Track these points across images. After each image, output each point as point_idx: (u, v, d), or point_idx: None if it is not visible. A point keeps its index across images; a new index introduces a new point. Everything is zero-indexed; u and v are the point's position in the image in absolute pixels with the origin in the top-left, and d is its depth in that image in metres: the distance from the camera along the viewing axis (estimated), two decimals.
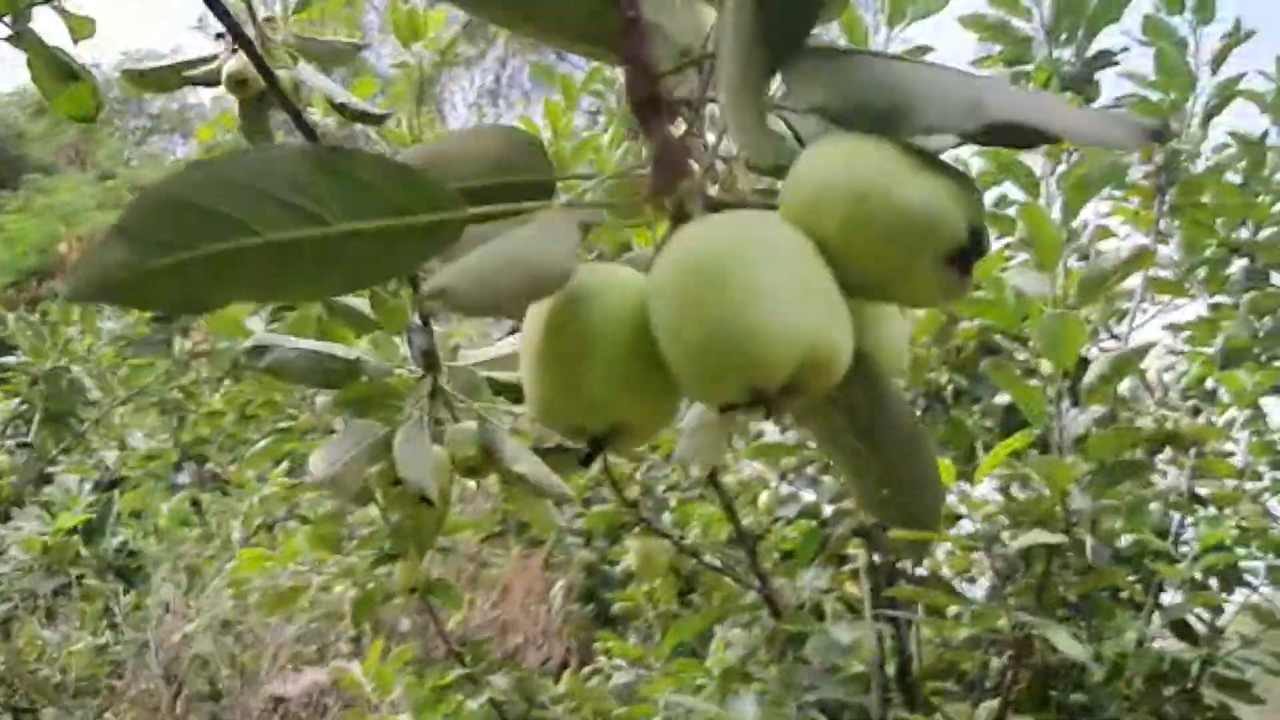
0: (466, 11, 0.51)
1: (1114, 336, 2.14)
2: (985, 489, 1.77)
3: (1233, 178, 2.16)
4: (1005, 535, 1.71)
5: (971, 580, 2.06)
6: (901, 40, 2.09)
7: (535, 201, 0.50)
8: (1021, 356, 1.81)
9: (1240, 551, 1.83)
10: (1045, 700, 1.81)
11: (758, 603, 2.02)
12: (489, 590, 3.50)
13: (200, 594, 3.79)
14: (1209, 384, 1.99)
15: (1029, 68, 2.17)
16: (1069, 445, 1.65)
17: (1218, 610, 1.88)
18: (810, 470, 2.17)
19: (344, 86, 1.48)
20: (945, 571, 2.07)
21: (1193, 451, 1.86)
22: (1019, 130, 0.42)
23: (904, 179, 0.43)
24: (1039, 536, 1.61)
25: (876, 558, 2.01)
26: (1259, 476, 1.94)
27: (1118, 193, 2.19)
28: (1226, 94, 2.22)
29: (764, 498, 2.21)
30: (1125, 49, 2.21)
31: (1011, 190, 1.95)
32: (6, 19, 1.27)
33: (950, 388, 2.07)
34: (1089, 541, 1.71)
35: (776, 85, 0.48)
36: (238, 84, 1.35)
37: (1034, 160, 1.84)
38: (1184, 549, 1.90)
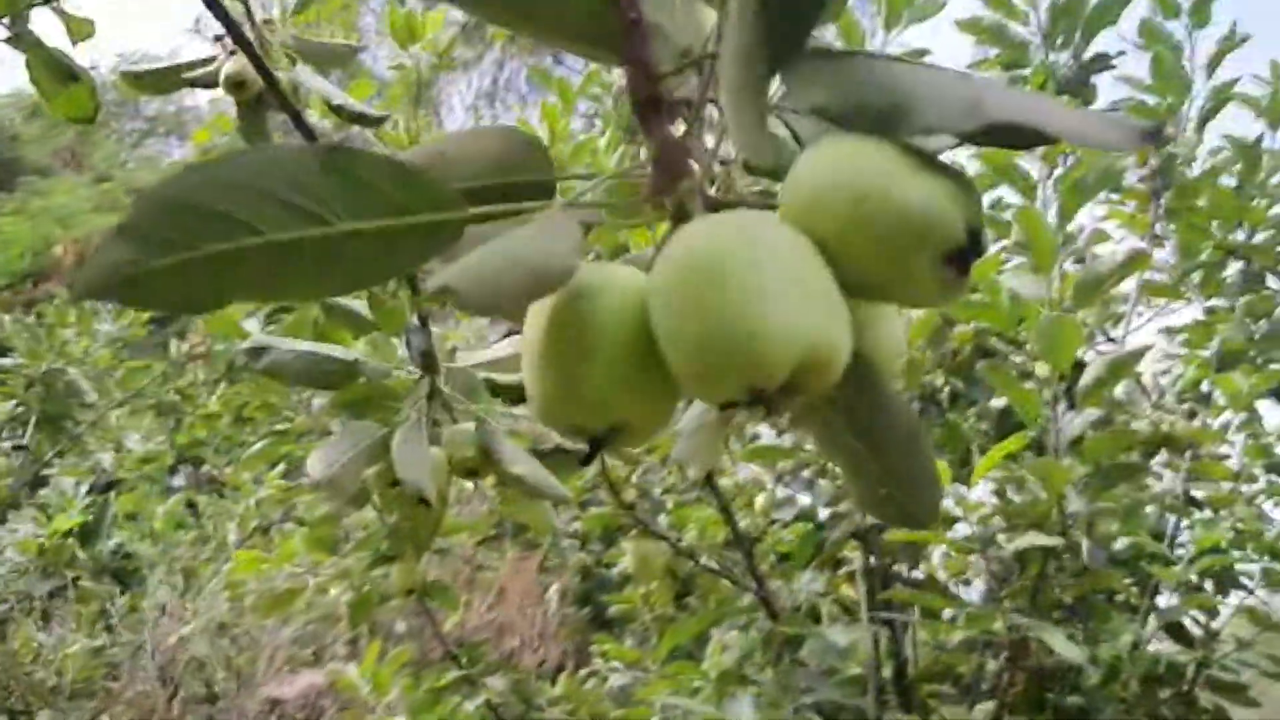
0: (467, 12, 0.51)
1: (1110, 339, 2.15)
2: (981, 491, 1.77)
3: (1228, 181, 2.16)
4: (1001, 538, 1.71)
5: (967, 583, 2.05)
6: (898, 44, 2.10)
7: (536, 201, 0.51)
8: (1017, 359, 1.82)
9: (1235, 554, 1.83)
10: (1041, 703, 1.81)
11: (754, 605, 2.02)
12: (485, 593, 3.50)
13: (196, 596, 3.79)
14: (1204, 387, 1.99)
15: (1025, 71, 2.17)
16: (1065, 448, 1.66)
17: (1213, 613, 1.88)
18: (806, 473, 2.17)
19: (341, 89, 1.48)
20: (941, 574, 2.07)
21: (1188, 454, 1.86)
22: (1017, 131, 0.42)
23: (903, 179, 0.43)
24: (1035, 539, 1.62)
25: (872, 561, 2.01)
26: (1254, 479, 1.94)
27: (1113, 196, 2.20)
28: (1222, 98, 2.22)
29: (760, 500, 2.21)
30: (1121, 53, 2.22)
31: (1008, 194, 1.95)
32: (5, 20, 1.27)
33: (946, 390, 2.08)
34: (1084, 544, 1.72)
35: (776, 86, 0.48)
36: (236, 86, 1.36)
37: (1030, 164, 1.85)
38: (1179, 552, 1.90)
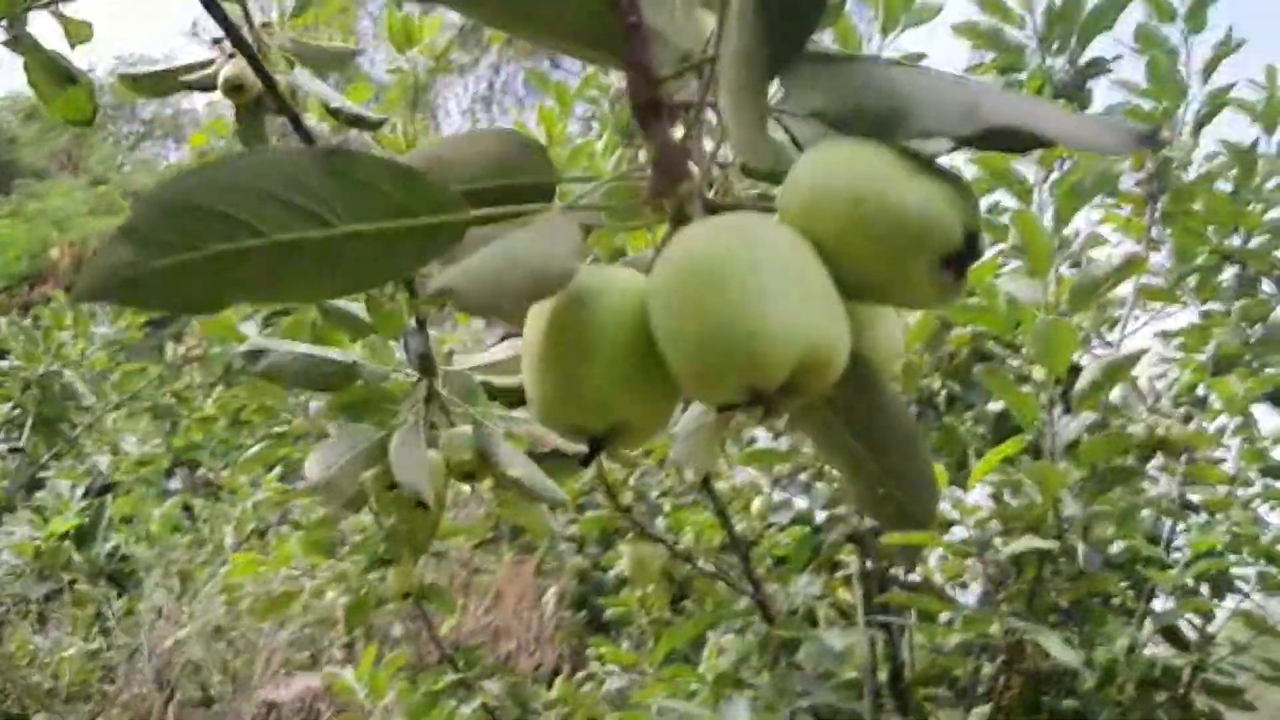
0: (467, 15, 0.51)
1: (1106, 343, 2.15)
2: (978, 495, 1.78)
3: (1224, 186, 2.16)
4: (997, 541, 1.72)
5: (964, 586, 2.06)
6: (894, 48, 2.10)
7: (536, 204, 0.51)
8: (1014, 363, 1.82)
9: (1231, 558, 1.83)
10: (1037, 706, 1.81)
11: (751, 609, 2.02)
12: (482, 596, 3.51)
13: (193, 599, 3.79)
14: (1200, 391, 2.00)
15: (1022, 76, 2.18)
16: (1061, 451, 1.66)
17: (1209, 617, 1.89)
18: (803, 477, 2.18)
19: (338, 92, 1.48)
20: (937, 577, 2.07)
21: (1184, 458, 1.86)
22: (1015, 134, 0.42)
23: (901, 183, 0.43)
24: (1031, 542, 1.62)
25: (869, 564, 2.01)
26: (1250, 483, 1.95)
27: (1109, 200, 2.20)
28: (1218, 103, 2.23)
29: (757, 504, 2.21)
30: (1117, 57, 2.22)
31: (1004, 198, 1.96)
32: (3, 23, 1.27)
33: (943, 394, 2.08)
34: (1081, 547, 1.72)
35: (774, 90, 0.48)
36: (234, 89, 1.36)
37: (1027, 168, 1.85)
38: (1175, 555, 1.91)
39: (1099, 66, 2.19)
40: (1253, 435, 1.95)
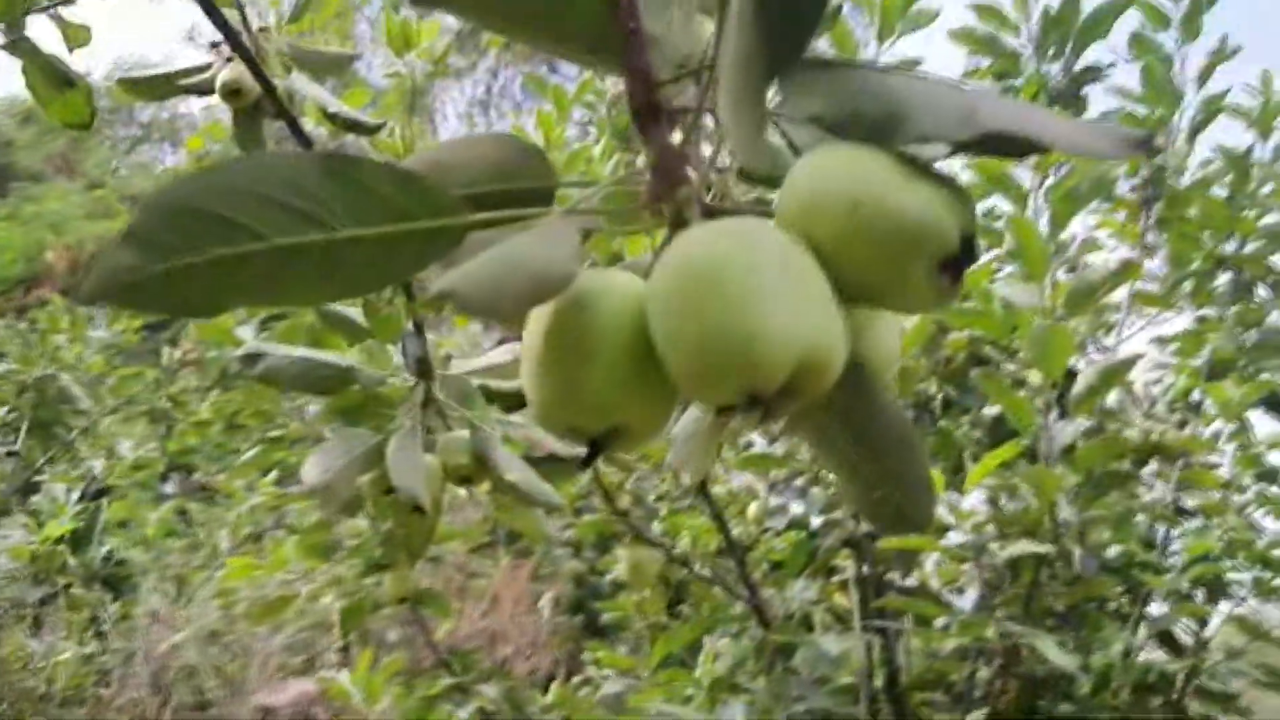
0: (468, 21, 0.51)
1: (1102, 348, 2.16)
2: (974, 499, 1.78)
3: (1219, 191, 2.17)
4: (994, 546, 1.72)
5: (960, 591, 2.06)
6: (891, 54, 2.11)
7: (536, 208, 0.51)
8: (1010, 367, 1.83)
9: (1226, 563, 1.84)
10: (1033, 711, 1.81)
11: (747, 613, 2.03)
12: (478, 600, 3.50)
13: (188, 604, 3.78)
14: (1195, 396, 2.00)
15: (1017, 82, 2.18)
16: (1057, 456, 1.66)
17: (1204, 622, 1.89)
18: (799, 482, 2.18)
19: (335, 96, 1.49)
20: (933, 582, 2.07)
21: (1179, 463, 1.86)
22: (1011, 140, 0.42)
23: (898, 187, 0.44)
24: (1027, 547, 1.62)
25: (865, 569, 2.02)
26: (1244, 489, 1.95)
27: (1105, 206, 2.21)
28: (1212, 109, 2.23)
29: (753, 509, 2.21)
30: (1112, 64, 2.23)
31: (1001, 202, 1.96)
32: (1, 26, 1.27)
33: (940, 398, 2.09)
34: (1076, 552, 1.72)
35: (773, 95, 0.49)
36: (232, 93, 1.36)
37: (1023, 173, 1.86)
38: (1170, 560, 1.91)
39: (1094, 73, 2.20)
40: (1248, 440, 1.96)
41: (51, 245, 10.61)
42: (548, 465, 1.20)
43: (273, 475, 3.04)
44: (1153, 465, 1.90)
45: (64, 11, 1.35)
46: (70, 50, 1.37)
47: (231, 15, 1.26)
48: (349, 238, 0.45)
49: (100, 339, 4.18)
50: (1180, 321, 2.20)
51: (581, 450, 0.49)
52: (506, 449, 1.21)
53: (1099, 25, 2.15)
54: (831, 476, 2.04)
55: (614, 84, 2.27)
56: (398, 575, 1.74)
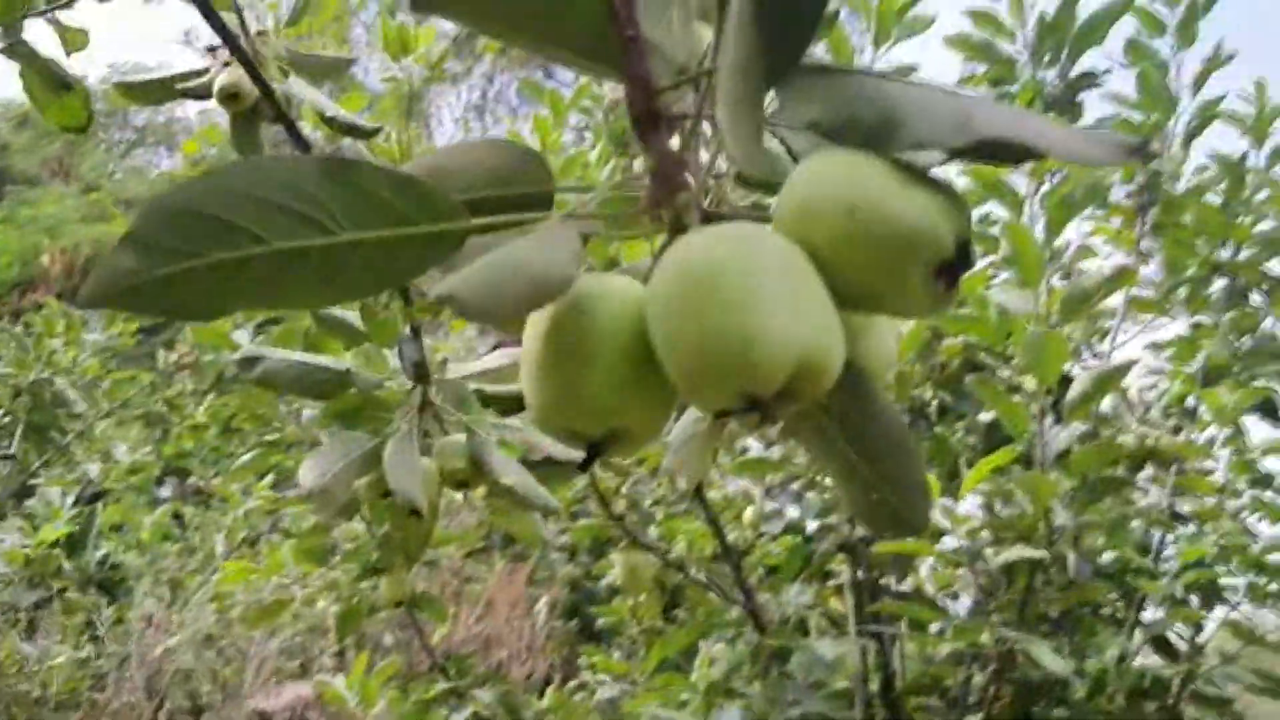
0: (467, 27, 0.52)
1: (1096, 354, 2.16)
2: (969, 505, 1.78)
3: (1213, 198, 2.18)
4: (988, 551, 1.72)
5: (955, 596, 2.06)
6: (887, 60, 2.11)
7: (535, 213, 0.51)
8: (1005, 373, 1.83)
9: (1220, 569, 1.84)
10: (1028, 716, 1.81)
11: (742, 618, 2.03)
12: (473, 605, 3.50)
13: (183, 608, 3.78)
14: (1190, 402, 2.00)
15: (1013, 88, 2.19)
16: (1051, 461, 1.67)
17: (1198, 627, 1.89)
18: (795, 486, 2.18)
19: (332, 101, 1.49)
20: (929, 587, 2.07)
21: (1174, 469, 1.87)
22: (1007, 146, 0.43)
23: (894, 193, 0.44)
24: (1022, 552, 1.63)
25: (860, 573, 2.02)
26: (1238, 494, 1.95)
27: (1100, 212, 2.21)
28: (1207, 116, 2.24)
29: (749, 513, 2.21)
30: (1108, 71, 2.23)
31: (996, 209, 1.97)
32: None
33: (935, 404, 2.09)
34: (1071, 557, 1.73)
35: (770, 101, 0.49)
36: (230, 97, 1.36)
37: (1018, 179, 1.86)
38: (1165, 566, 1.91)
39: (1090, 79, 2.20)
40: (1242, 446, 1.96)
41: (47, 249, 10.60)
42: (544, 469, 1.21)
43: (268, 479, 3.04)
44: (1147, 471, 1.90)
45: (61, 15, 1.35)
46: (68, 54, 1.37)
47: (230, 19, 1.26)
48: (349, 241, 0.45)
49: (95, 342, 4.17)
50: (1175, 327, 2.21)
51: (580, 453, 0.49)
52: (503, 453, 1.21)
53: (1095, 31, 2.16)
54: (828, 480, 2.04)
55: (611, 89, 2.27)
56: (394, 579, 1.74)
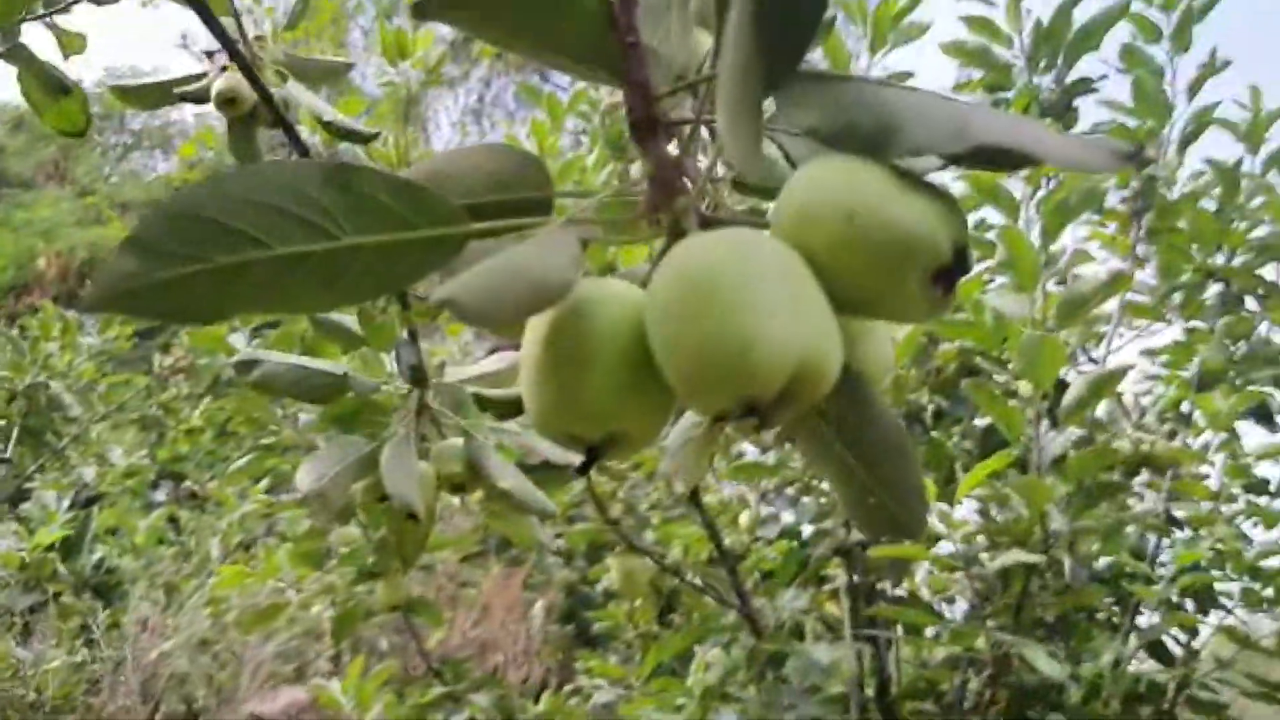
0: (468, 33, 0.52)
1: (1091, 359, 2.17)
2: (965, 509, 1.79)
3: (1208, 204, 2.18)
4: (984, 555, 1.72)
5: (951, 600, 2.07)
6: (883, 66, 2.12)
7: (535, 217, 0.52)
8: (1001, 378, 1.83)
9: (1215, 574, 1.84)
10: None
11: (738, 622, 2.03)
12: (469, 609, 3.50)
13: (178, 612, 3.77)
14: (1185, 407, 2.01)
15: (1009, 94, 2.20)
16: (1047, 466, 1.67)
17: (1193, 632, 1.90)
18: (790, 491, 2.18)
19: (330, 105, 1.49)
20: (924, 591, 2.08)
21: (1169, 474, 1.87)
22: (1003, 153, 0.43)
23: (892, 199, 0.44)
24: (1017, 557, 1.63)
25: (856, 578, 2.02)
26: (1234, 499, 1.96)
27: (1095, 218, 2.22)
28: (1202, 122, 2.25)
29: (744, 518, 2.22)
30: (1104, 76, 2.24)
31: (992, 214, 1.97)
32: None
33: (931, 408, 2.09)
34: (1067, 562, 1.73)
35: (768, 107, 0.49)
36: (227, 102, 1.36)
37: (1014, 185, 1.87)
38: (1160, 571, 1.91)
39: (1085, 85, 2.21)
40: (1236, 451, 1.97)
41: (42, 252, 10.59)
42: (541, 473, 1.21)
43: (264, 483, 3.04)
44: (1143, 476, 1.91)
45: (59, 18, 1.35)
46: (66, 57, 1.38)
47: (228, 23, 1.26)
48: (349, 246, 0.45)
49: (91, 346, 4.17)
50: (1170, 333, 2.22)
51: (578, 457, 0.49)
52: (500, 457, 1.21)
53: (1090, 37, 2.16)
54: (824, 485, 2.05)
55: (608, 94, 2.28)
56: (390, 583, 1.74)
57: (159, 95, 1.45)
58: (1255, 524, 1.92)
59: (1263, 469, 1.98)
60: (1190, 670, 1.81)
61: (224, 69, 1.37)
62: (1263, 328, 2.09)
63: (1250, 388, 1.96)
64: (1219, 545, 1.84)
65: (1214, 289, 2.19)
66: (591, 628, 2.69)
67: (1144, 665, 1.88)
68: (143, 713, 3.52)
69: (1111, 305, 2.07)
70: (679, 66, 0.53)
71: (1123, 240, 2.21)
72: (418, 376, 1.24)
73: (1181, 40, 2.24)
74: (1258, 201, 2.17)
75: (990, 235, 2.00)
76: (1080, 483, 1.66)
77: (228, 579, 2.40)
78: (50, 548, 3.75)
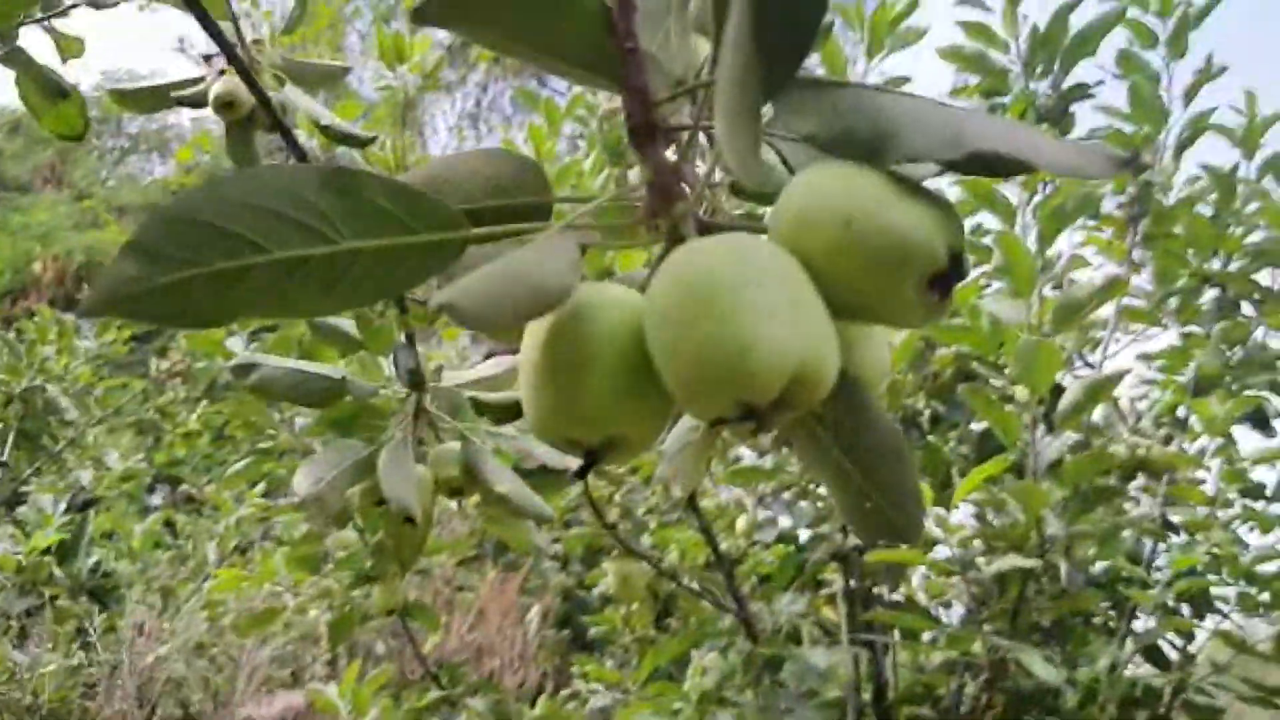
0: (467, 38, 0.52)
1: (1088, 364, 2.17)
2: (961, 514, 1.79)
3: (1204, 209, 2.19)
4: (980, 560, 1.73)
5: (947, 605, 2.07)
6: (880, 71, 2.13)
7: (534, 222, 0.52)
8: (997, 383, 1.84)
9: (1211, 578, 1.85)
10: None
11: (735, 627, 2.03)
12: (465, 614, 3.50)
13: (174, 616, 3.77)
14: (1181, 412, 2.01)
15: (1006, 99, 2.20)
16: (1044, 471, 1.67)
17: (1189, 636, 1.90)
18: (787, 495, 2.18)
19: (327, 109, 1.49)
20: (921, 596, 2.08)
21: (1165, 479, 1.87)
22: (999, 160, 0.43)
23: (889, 205, 0.45)
24: (1014, 561, 1.63)
25: (853, 582, 2.02)
26: (1229, 504, 1.96)
27: (1091, 223, 2.22)
28: (1198, 127, 2.25)
29: (741, 522, 2.22)
30: (1100, 82, 2.25)
31: (988, 219, 1.98)
32: None
33: (927, 413, 2.10)
34: (1063, 567, 1.73)
35: (766, 113, 0.50)
36: (225, 106, 1.36)
37: (1010, 190, 1.87)
38: (1156, 575, 1.92)
39: (1082, 91, 2.22)
40: (1232, 456, 1.97)
41: (39, 256, 10.58)
42: (538, 477, 1.21)
43: (260, 487, 3.04)
44: (1139, 480, 1.91)
45: (57, 22, 1.35)
46: (64, 61, 1.38)
47: (226, 28, 1.26)
48: (349, 250, 0.45)
49: (88, 350, 4.17)
50: (1166, 338, 2.22)
51: (577, 461, 0.50)
52: (497, 461, 1.21)
53: (1087, 43, 2.17)
54: (821, 489, 2.05)
55: (605, 98, 2.28)
56: (387, 587, 1.74)
57: (156, 99, 1.45)
58: (1251, 529, 1.93)
59: (1259, 474, 1.99)
60: (1186, 675, 1.82)
61: (222, 73, 1.37)
62: (1259, 333, 2.09)
63: (1246, 393, 1.97)
64: (1215, 550, 1.84)
65: (1210, 294, 2.19)
66: (588, 632, 2.69)
67: (1140, 670, 1.88)
68: (139, 716, 3.51)
69: (1107, 310, 2.08)
70: (678, 73, 0.53)
71: (1119, 245, 2.21)
72: (415, 380, 1.24)
73: (1178, 46, 2.24)
74: (1253, 207, 2.18)
75: (987, 240, 2.01)
76: (1076, 487, 1.67)
77: (224, 583, 2.40)
78: (46, 551, 3.75)
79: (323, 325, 1.31)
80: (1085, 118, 2.26)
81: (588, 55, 0.49)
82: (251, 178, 0.46)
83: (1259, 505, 1.97)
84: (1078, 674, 1.76)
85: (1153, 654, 1.88)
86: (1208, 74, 2.25)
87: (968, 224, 2.09)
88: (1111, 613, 1.92)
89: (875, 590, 2.04)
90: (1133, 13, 2.24)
